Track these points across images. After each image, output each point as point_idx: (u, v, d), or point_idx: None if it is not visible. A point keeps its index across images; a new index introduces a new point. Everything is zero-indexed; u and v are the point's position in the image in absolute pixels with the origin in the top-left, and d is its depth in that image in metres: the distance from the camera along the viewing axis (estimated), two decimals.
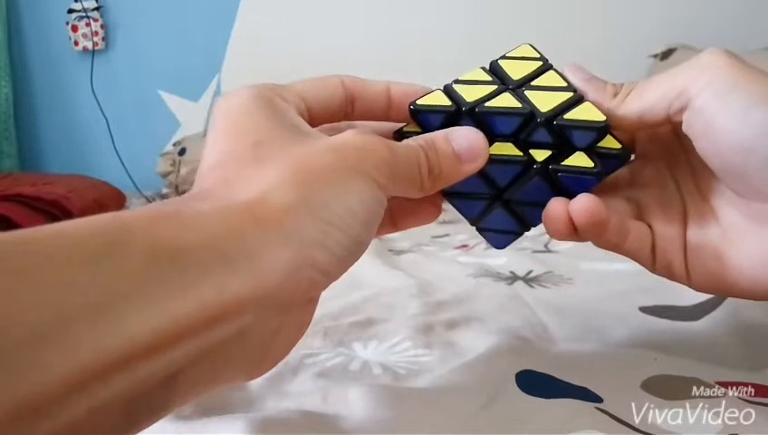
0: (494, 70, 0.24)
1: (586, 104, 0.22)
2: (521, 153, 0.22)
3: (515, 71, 0.23)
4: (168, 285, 0.13)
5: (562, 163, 0.22)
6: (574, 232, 0.22)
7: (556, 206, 0.22)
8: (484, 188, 0.23)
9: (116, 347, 0.12)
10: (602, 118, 0.22)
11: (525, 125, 0.22)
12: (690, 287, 0.23)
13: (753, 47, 1.02)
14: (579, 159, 0.22)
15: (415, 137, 0.21)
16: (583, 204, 0.22)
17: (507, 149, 0.22)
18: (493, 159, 0.22)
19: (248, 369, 0.17)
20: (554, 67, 0.23)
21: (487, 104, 0.22)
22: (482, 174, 0.22)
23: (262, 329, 0.16)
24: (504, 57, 0.24)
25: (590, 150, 0.22)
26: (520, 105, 0.22)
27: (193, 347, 0.13)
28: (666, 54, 1.14)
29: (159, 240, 0.13)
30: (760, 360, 0.27)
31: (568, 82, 0.23)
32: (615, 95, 0.23)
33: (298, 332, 0.19)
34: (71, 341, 0.11)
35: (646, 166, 0.25)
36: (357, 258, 0.18)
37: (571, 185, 0.22)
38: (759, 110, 0.19)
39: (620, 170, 0.24)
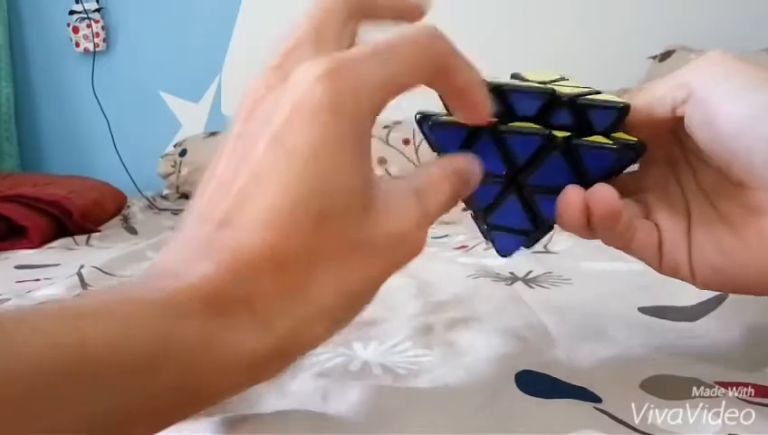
0: (514, 77, 0.25)
1: (605, 94, 0.23)
2: (542, 127, 0.23)
3: (533, 77, 0.24)
4: None
5: (584, 139, 0.23)
6: (586, 223, 0.22)
7: (572, 193, 0.22)
8: (500, 168, 0.23)
9: None
10: (623, 100, 0.22)
11: (547, 107, 0.23)
12: (696, 286, 0.23)
13: (752, 49, 1.02)
14: (598, 139, 0.23)
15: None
16: (603, 193, 0.22)
17: (528, 126, 0.23)
18: (514, 131, 0.22)
19: None
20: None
21: (509, 83, 0.23)
22: (502, 149, 0.23)
23: None
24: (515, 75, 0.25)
25: (608, 137, 0.23)
26: (542, 86, 0.23)
27: None
28: (664, 56, 1.14)
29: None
30: (759, 360, 0.27)
31: (585, 86, 0.24)
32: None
33: None
34: None
35: (649, 169, 0.25)
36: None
37: (590, 162, 0.23)
38: (760, 91, 0.20)
39: (625, 175, 0.25)
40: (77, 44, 1.53)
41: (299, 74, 0.17)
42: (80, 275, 0.53)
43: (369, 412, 0.22)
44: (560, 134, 0.23)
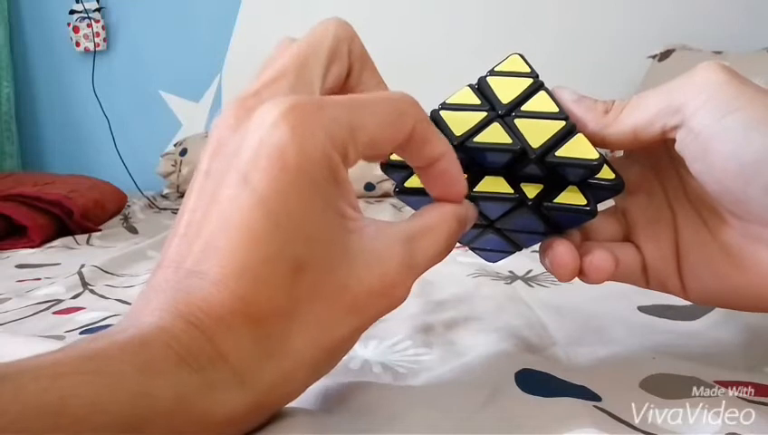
0: (483, 89, 0.23)
1: (578, 137, 0.21)
2: (512, 190, 0.22)
3: (505, 91, 0.23)
4: None
5: (555, 201, 0.22)
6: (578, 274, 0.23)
7: (565, 255, 0.22)
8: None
9: None
10: (595, 155, 0.21)
11: (516, 161, 0.22)
12: (687, 301, 0.23)
13: (752, 48, 1.02)
14: (571, 196, 0.22)
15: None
16: (599, 262, 0.22)
17: (498, 184, 0.22)
18: (483, 197, 0.22)
19: None
20: (545, 86, 0.23)
21: (477, 139, 0.21)
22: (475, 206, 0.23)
23: None
24: (492, 72, 0.23)
25: (583, 183, 0.22)
26: (511, 141, 0.21)
27: None
28: (664, 55, 1.14)
29: None
30: (759, 359, 0.26)
31: (559, 107, 0.22)
32: (606, 112, 0.22)
33: None
34: None
35: (632, 166, 0.24)
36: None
37: (563, 220, 0.23)
38: (760, 133, 0.18)
39: None
40: (77, 44, 1.53)
41: (260, 114, 0.16)
42: (80, 274, 0.53)
43: (368, 411, 0.22)
44: (531, 190, 0.22)
